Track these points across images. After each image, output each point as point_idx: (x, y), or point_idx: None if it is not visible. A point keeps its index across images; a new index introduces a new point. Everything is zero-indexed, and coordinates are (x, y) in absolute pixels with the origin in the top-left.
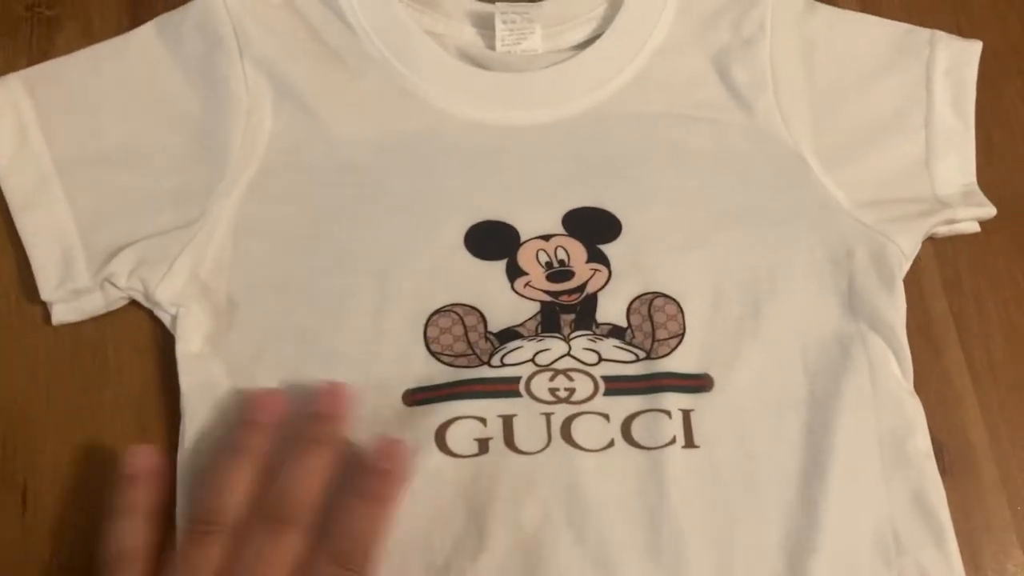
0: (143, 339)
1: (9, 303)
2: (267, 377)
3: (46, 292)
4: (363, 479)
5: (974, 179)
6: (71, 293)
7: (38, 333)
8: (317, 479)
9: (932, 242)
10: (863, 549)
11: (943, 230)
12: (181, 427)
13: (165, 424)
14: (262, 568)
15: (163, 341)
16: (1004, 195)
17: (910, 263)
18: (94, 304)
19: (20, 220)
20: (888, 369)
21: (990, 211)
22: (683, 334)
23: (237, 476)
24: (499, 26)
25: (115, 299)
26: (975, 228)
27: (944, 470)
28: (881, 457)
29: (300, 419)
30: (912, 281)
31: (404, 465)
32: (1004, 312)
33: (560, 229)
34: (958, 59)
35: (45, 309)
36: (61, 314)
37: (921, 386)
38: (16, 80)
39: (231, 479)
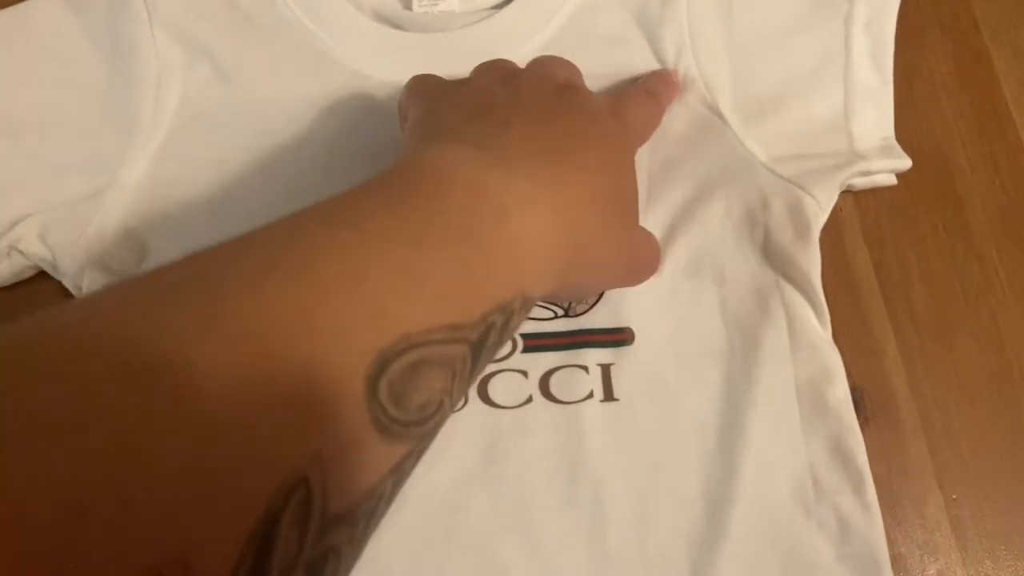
0: None
1: None
2: None
3: None
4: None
5: (892, 133)
6: None
7: None
8: None
9: (853, 194)
10: (783, 497)
11: (859, 182)
12: None
13: None
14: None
15: None
16: (925, 146)
17: (826, 215)
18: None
19: None
20: (806, 319)
21: (905, 163)
22: (601, 293)
23: None
24: None
25: (21, 268)
26: (892, 181)
27: (866, 418)
28: (800, 406)
29: None
30: (833, 232)
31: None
32: (924, 262)
33: None
34: (877, 13)
35: None
36: None
37: (843, 336)
38: None
39: None
